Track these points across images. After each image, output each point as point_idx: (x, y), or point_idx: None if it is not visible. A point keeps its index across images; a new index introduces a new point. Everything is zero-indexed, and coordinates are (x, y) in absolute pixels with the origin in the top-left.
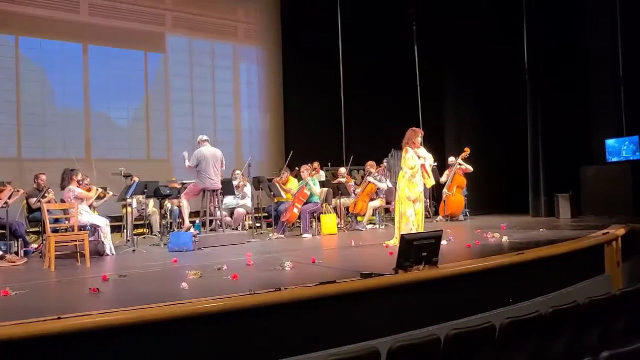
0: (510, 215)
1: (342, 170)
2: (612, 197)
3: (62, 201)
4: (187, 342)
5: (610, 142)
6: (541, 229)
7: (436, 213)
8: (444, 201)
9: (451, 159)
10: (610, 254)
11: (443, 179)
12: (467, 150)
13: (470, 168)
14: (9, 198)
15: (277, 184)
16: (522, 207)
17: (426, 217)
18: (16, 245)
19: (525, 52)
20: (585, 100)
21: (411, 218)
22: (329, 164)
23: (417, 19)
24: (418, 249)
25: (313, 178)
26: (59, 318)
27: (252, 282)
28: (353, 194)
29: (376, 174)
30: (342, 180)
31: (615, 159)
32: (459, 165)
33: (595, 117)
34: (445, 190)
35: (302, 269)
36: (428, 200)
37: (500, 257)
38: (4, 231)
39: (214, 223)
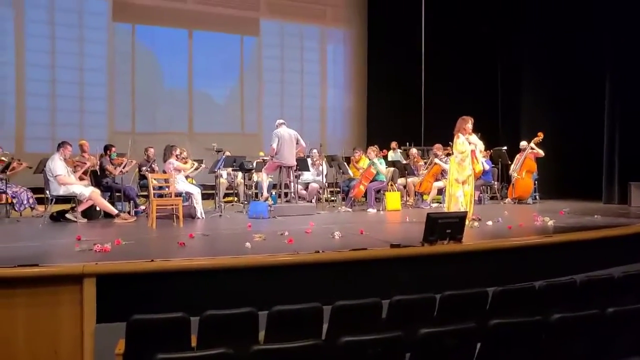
0: (583, 201)
1: (414, 150)
2: None
3: (164, 172)
4: (243, 286)
5: None
6: (596, 216)
7: (505, 196)
8: (513, 184)
9: (523, 144)
10: None
11: (512, 167)
12: (541, 135)
13: (541, 152)
14: (124, 167)
15: (346, 164)
16: (597, 194)
17: (494, 199)
18: (129, 206)
19: (604, 37)
20: None
21: (460, 199)
22: (407, 143)
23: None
24: (442, 226)
25: (379, 158)
26: (152, 261)
27: (302, 246)
28: (421, 174)
29: (442, 157)
30: (405, 161)
31: None
32: (531, 149)
33: None
34: (514, 173)
35: (349, 239)
36: (498, 183)
37: (523, 239)
38: (119, 194)
39: (289, 195)
